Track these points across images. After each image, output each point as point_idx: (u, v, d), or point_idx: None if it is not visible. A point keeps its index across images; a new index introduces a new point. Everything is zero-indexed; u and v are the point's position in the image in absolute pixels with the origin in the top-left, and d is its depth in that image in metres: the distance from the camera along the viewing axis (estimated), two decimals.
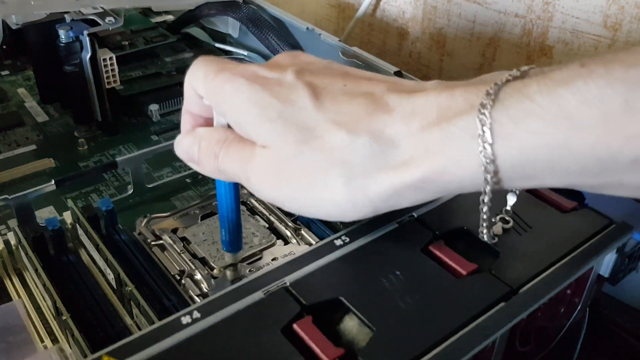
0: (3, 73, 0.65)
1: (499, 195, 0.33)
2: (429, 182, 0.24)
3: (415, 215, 0.32)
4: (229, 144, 0.28)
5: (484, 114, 0.23)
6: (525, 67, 0.24)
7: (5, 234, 0.38)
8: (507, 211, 0.31)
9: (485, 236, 0.28)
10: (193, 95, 0.30)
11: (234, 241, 0.34)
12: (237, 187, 0.32)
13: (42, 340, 0.33)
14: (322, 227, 0.38)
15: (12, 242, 0.37)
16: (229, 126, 0.29)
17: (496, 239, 0.31)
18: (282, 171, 0.26)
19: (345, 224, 0.38)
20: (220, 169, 0.29)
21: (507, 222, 0.31)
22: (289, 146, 0.26)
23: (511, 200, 0.31)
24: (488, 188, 0.24)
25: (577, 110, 0.21)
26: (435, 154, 0.24)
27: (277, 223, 0.39)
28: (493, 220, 0.31)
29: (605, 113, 0.21)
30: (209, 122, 0.30)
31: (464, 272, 0.29)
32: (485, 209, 0.26)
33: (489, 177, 0.23)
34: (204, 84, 0.28)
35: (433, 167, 0.24)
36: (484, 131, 0.23)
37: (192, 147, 0.30)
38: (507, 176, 0.23)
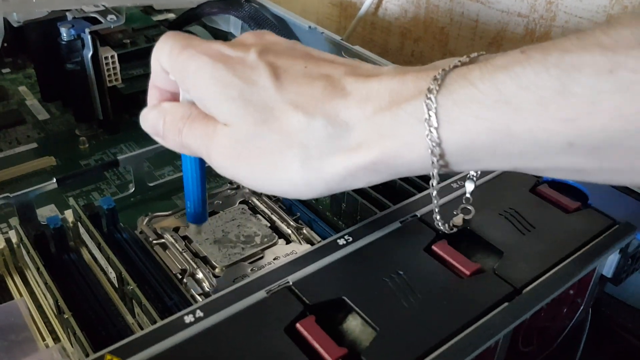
0: (4, 71, 0.65)
1: (500, 193, 0.33)
2: (380, 165, 0.25)
3: (419, 215, 0.32)
4: (192, 120, 0.29)
5: (430, 98, 0.23)
6: (475, 54, 0.25)
7: (7, 233, 0.38)
8: (467, 199, 0.31)
9: (439, 224, 0.30)
10: (159, 70, 0.30)
11: (198, 213, 0.34)
12: (202, 161, 0.32)
13: (43, 339, 0.33)
14: (323, 227, 0.38)
15: (14, 240, 0.37)
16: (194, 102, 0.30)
17: (455, 230, 0.31)
18: (241, 150, 0.27)
19: (346, 223, 0.38)
20: (184, 144, 0.29)
21: (469, 212, 0.31)
22: (248, 126, 0.27)
23: (469, 187, 0.31)
24: (435, 171, 0.25)
25: (515, 95, 0.22)
26: (386, 138, 0.25)
27: (278, 222, 0.39)
28: (455, 212, 0.32)
29: (541, 97, 0.21)
30: (175, 97, 0.31)
31: (467, 272, 0.28)
32: (434, 193, 0.27)
33: (435, 160, 0.24)
34: (169, 59, 0.29)
35: (384, 150, 0.25)
36: (429, 115, 0.23)
37: (157, 121, 0.30)
38: (453, 159, 0.24)
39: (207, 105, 0.28)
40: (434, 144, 0.24)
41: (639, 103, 0.20)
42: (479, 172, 0.31)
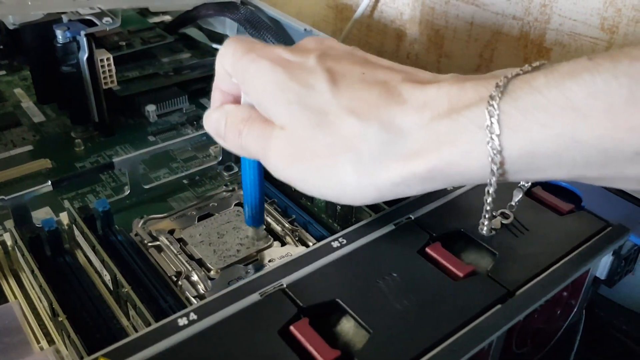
0: (0, 73, 0.65)
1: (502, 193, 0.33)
2: (437, 173, 0.25)
3: (412, 217, 0.32)
4: (252, 123, 0.29)
5: (492, 105, 0.23)
6: (537, 63, 0.25)
7: (2, 235, 0.38)
8: (511, 206, 0.32)
9: (485, 228, 0.29)
10: (223, 73, 0.31)
11: (256, 216, 0.35)
12: (260, 165, 0.33)
13: (38, 342, 0.33)
14: (319, 229, 0.38)
15: (9, 242, 0.37)
16: None
17: (493, 233, 0.31)
18: (295, 152, 0.27)
19: (342, 225, 0.39)
20: (243, 146, 0.30)
21: (508, 217, 0.32)
22: (303, 129, 0.27)
23: (517, 195, 0.31)
24: (494, 179, 0.24)
25: (583, 102, 0.22)
26: (444, 145, 0.24)
27: (273, 224, 0.39)
28: (494, 214, 0.32)
29: (610, 105, 0.21)
30: (237, 100, 0.32)
31: (460, 274, 0.29)
32: (489, 199, 0.27)
33: (495, 168, 0.24)
34: (232, 63, 0.30)
35: (442, 157, 0.24)
36: (491, 122, 0.23)
37: (219, 122, 0.31)
38: (514, 168, 0.24)
39: (265, 108, 0.29)
40: (494, 152, 0.23)
41: None
42: (529, 183, 0.32)
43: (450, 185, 0.26)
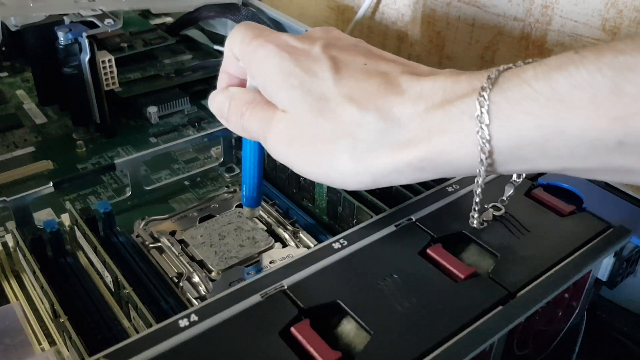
0: (2, 75, 0.65)
1: (495, 197, 0.33)
2: (427, 162, 0.26)
3: (413, 219, 0.32)
4: (254, 105, 0.30)
5: (482, 96, 0.24)
6: (529, 60, 0.25)
7: (3, 236, 0.38)
8: (502, 200, 0.33)
9: (475, 221, 0.30)
10: (231, 56, 0.32)
11: (253, 196, 0.36)
12: (261, 147, 0.33)
13: (39, 343, 0.33)
14: (320, 230, 0.38)
15: (10, 244, 0.37)
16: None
17: (484, 225, 0.31)
18: (295, 136, 0.28)
19: (342, 227, 0.39)
20: (244, 127, 0.31)
21: (499, 209, 0.32)
22: (304, 114, 0.28)
23: (508, 191, 0.32)
24: (482, 169, 0.25)
25: (568, 93, 0.22)
26: (436, 134, 0.25)
27: (275, 226, 0.39)
28: (485, 206, 0.32)
29: (594, 96, 0.22)
30: (242, 84, 0.33)
31: (461, 276, 0.29)
32: (478, 190, 0.28)
33: (484, 157, 0.24)
34: (240, 47, 0.30)
35: (433, 147, 0.25)
36: (481, 112, 0.24)
37: (223, 104, 0.32)
38: (502, 158, 0.24)
39: (269, 91, 0.29)
40: (484, 141, 0.24)
41: None
42: (521, 179, 0.32)
43: (441, 176, 0.27)
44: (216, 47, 0.68)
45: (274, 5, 0.65)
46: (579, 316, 0.35)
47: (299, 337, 0.25)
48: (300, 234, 0.38)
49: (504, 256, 0.30)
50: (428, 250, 0.30)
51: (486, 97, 0.24)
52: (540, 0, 0.56)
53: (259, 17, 0.61)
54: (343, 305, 0.27)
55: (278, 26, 0.62)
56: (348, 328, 0.27)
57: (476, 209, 0.30)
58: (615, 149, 0.22)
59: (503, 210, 0.32)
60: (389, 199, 0.37)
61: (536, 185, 0.35)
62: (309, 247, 0.36)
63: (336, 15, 0.81)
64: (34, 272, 0.34)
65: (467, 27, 0.63)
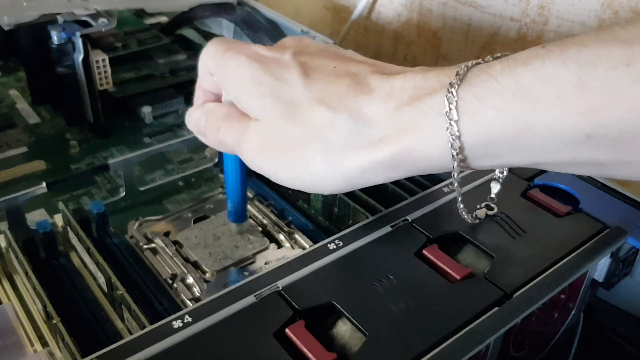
0: None
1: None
2: (400, 160, 0.26)
3: (409, 219, 0.32)
4: (230, 118, 0.30)
5: (451, 92, 0.24)
6: (499, 54, 0.26)
7: None
8: (491, 198, 0.33)
9: (466, 216, 0.31)
10: (205, 72, 0.32)
11: (239, 212, 0.36)
12: (242, 161, 0.33)
13: (32, 344, 0.32)
14: (316, 231, 0.38)
15: (3, 245, 0.37)
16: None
17: (477, 222, 0.32)
18: (267, 143, 0.28)
19: (338, 227, 0.38)
20: (221, 141, 0.31)
21: (492, 208, 0.33)
22: (275, 121, 0.28)
23: (495, 188, 0.32)
24: (455, 164, 0.25)
25: (534, 87, 0.22)
26: (406, 132, 0.25)
27: (270, 227, 0.39)
28: (478, 206, 0.33)
29: (560, 90, 0.22)
30: (218, 99, 0.33)
31: (457, 277, 0.28)
32: (456, 184, 0.28)
33: (455, 153, 0.24)
34: (213, 61, 0.31)
35: (403, 144, 0.25)
36: (450, 108, 0.24)
37: (200, 120, 0.32)
38: (473, 153, 0.25)
39: (242, 102, 0.30)
40: (453, 138, 0.24)
41: None
42: (505, 173, 0.32)
43: (415, 174, 0.27)
44: None
45: (270, 5, 0.65)
46: (575, 317, 0.35)
47: (294, 338, 0.25)
48: (296, 235, 0.38)
49: (500, 257, 0.30)
50: (424, 251, 0.30)
51: (454, 93, 0.24)
52: (537, 1, 0.56)
53: (254, 16, 0.60)
54: (338, 306, 0.27)
55: (273, 26, 0.62)
56: (343, 329, 0.26)
57: (461, 207, 0.30)
58: (584, 142, 0.22)
59: (496, 209, 0.32)
60: (384, 199, 0.37)
61: (532, 186, 0.35)
62: (304, 248, 0.36)
63: (332, 15, 0.81)
64: (26, 273, 0.34)
65: (464, 28, 0.63)
